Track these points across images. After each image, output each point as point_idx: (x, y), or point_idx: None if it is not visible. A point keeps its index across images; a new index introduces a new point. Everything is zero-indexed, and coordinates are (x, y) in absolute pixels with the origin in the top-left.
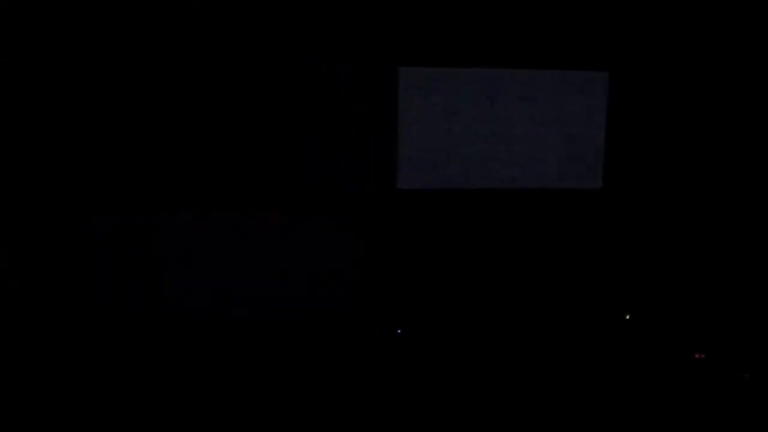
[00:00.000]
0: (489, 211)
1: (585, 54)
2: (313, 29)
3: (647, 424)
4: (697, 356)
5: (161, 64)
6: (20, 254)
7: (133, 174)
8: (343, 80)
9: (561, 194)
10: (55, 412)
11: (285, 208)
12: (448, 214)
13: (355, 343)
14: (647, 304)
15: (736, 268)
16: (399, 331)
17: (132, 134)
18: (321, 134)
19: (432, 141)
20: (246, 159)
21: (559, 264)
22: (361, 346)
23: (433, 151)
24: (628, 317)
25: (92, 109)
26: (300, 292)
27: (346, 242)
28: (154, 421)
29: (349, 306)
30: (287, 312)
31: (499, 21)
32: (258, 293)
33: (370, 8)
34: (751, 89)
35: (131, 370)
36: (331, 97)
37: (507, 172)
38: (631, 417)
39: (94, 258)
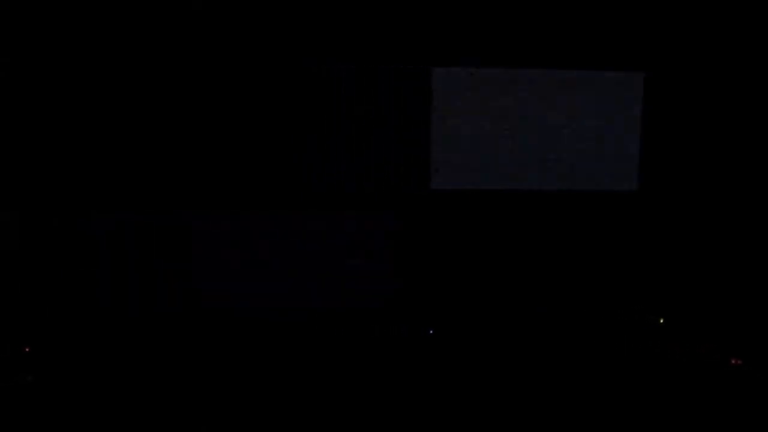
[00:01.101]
0: (522, 212)
1: (620, 54)
2: (345, 31)
3: (682, 429)
4: (733, 362)
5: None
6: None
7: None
8: (379, 81)
9: (595, 196)
10: (87, 411)
11: (317, 208)
12: (482, 215)
13: (387, 343)
14: (682, 308)
15: None
16: (431, 331)
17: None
18: (355, 134)
19: (466, 141)
20: (276, 159)
21: (592, 267)
22: (392, 346)
23: (467, 151)
24: (662, 321)
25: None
26: (331, 292)
27: (378, 242)
28: (182, 421)
29: (381, 306)
30: (317, 312)
31: (532, 21)
32: (288, 293)
33: (407, 7)
34: None
35: (157, 367)
36: (366, 97)
37: (541, 173)
38: (665, 422)
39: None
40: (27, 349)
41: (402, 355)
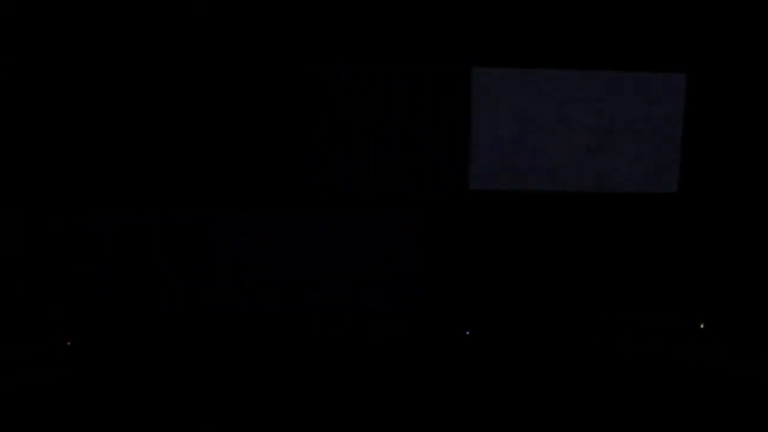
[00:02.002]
0: (561, 213)
1: (662, 55)
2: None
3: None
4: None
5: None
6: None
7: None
8: (417, 81)
9: (635, 198)
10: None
11: (357, 207)
12: (520, 216)
13: (423, 344)
14: (723, 312)
15: None
16: (468, 332)
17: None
18: (394, 134)
19: (505, 142)
20: (311, 158)
21: (630, 269)
22: (429, 347)
23: (506, 152)
24: (702, 326)
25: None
26: (369, 292)
27: (416, 242)
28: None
29: (419, 306)
30: (354, 312)
31: (573, 22)
32: (325, 292)
33: (446, 8)
34: None
35: (181, 367)
36: (406, 97)
37: (580, 174)
38: (708, 424)
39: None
40: (68, 343)
41: (438, 356)
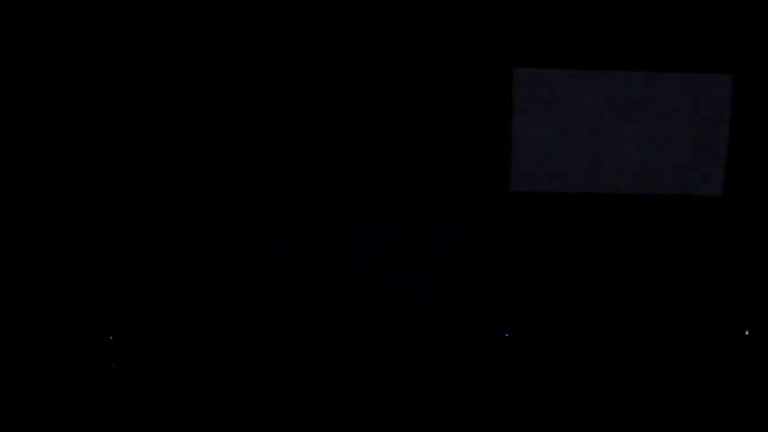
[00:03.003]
0: (603, 216)
1: (708, 55)
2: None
3: None
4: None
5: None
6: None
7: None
8: (460, 81)
9: (678, 201)
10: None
11: (397, 207)
12: (561, 218)
13: (461, 345)
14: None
15: None
16: (506, 334)
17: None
18: (440, 134)
19: (546, 144)
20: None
21: (673, 272)
22: (467, 348)
23: (548, 154)
24: (747, 333)
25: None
26: (410, 292)
27: (456, 243)
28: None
29: (458, 307)
30: (394, 313)
31: (617, 21)
32: (364, 292)
33: (491, 8)
34: None
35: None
36: (449, 97)
37: (623, 176)
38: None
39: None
40: (111, 338)
41: (476, 357)
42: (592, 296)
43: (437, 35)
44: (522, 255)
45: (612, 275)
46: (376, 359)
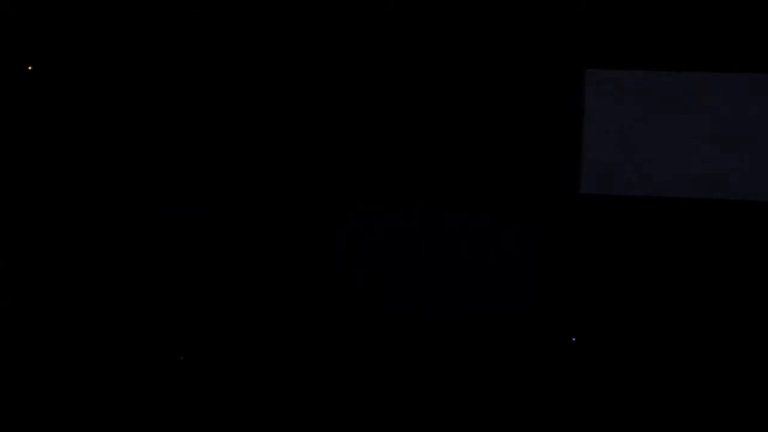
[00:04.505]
0: (676, 221)
1: None
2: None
3: None
4: None
5: None
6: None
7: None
8: (527, 79)
9: (754, 207)
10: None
11: (463, 207)
12: (633, 222)
13: (529, 348)
14: None
15: None
16: (573, 339)
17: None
18: (509, 135)
19: (619, 146)
20: (436, 157)
21: (747, 282)
22: (535, 352)
23: (620, 156)
24: None
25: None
26: (474, 294)
27: (524, 246)
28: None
29: (524, 311)
30: (458, 314)
31: (693, 19)
32: (428, 293)
33: (559, 9)
34: None
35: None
36: (516, 97)
37: (699, 180)
38: None
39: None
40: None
41: (544, 362)
42: (666, 304)
43: (505, 32)
44: (589, 259)
45: (688, 283)
46: (442, 363)
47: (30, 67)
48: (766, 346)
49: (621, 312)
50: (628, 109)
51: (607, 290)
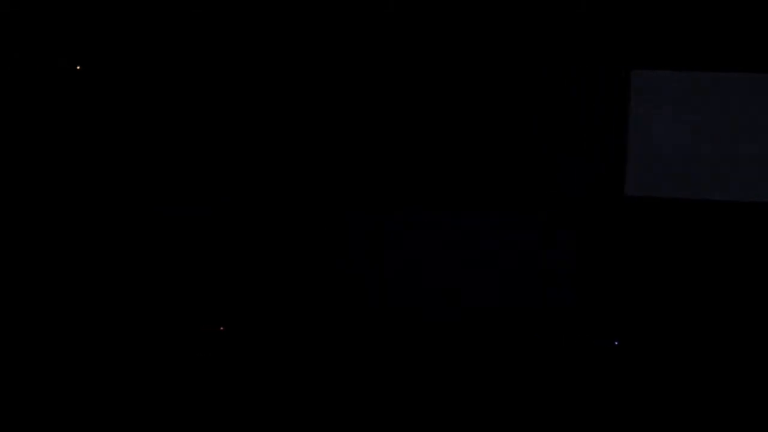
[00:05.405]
0: (723, 225)
1: None
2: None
3: None
4: None
5: None
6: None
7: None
8: (572, 82)
9: None
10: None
11: (505, 208)
12: (679, 225)
13: (571, 350)
14: None
15: None
16: (616, 342)
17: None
18: (550, 136)
19: (664, 147)
20: (471, 157)
21: None
22: (577, 354)
23: (666, 158)
24: None
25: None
26: (515, 295)
27: (567, 249)
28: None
29: (566, 313)
30: (497, 315)
31: (742, 21)
32: (464, 293)
33: (604, 9)
34: None
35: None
36: (559, 98)
37: (744, 184)
38: None
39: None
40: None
41: (586, 364)
42: (709, 311)
43: (552, 32)
44: (634, 262)
45: (730, 288)
46: (484, 365)
47: (78, 67)
48: None
49: (664, 314)
50: (672, 110)
51: (649, 290)
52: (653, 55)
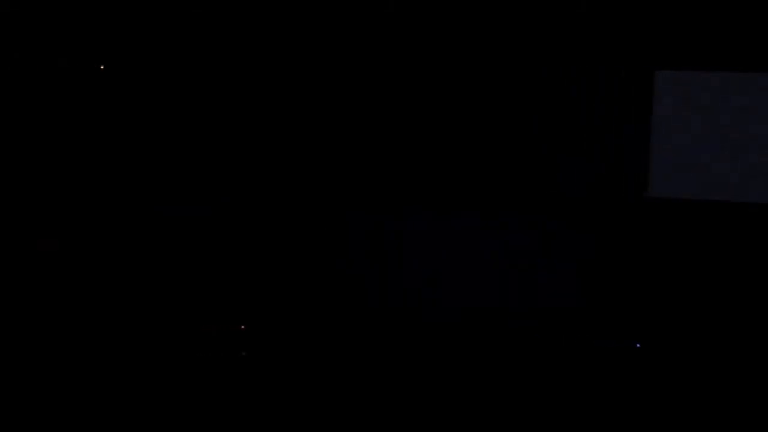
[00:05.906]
0: (743, 225)
1: None
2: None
3: None
4: None
5: None
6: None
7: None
8: (595, 84)
9: None
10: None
11: (527, 211)
12: (700, 226)
13: (592, 353)
14: None
15: None
16: (638, 345)
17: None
18: (571, 138)
19: (687, 149)
20: (488, 160)
21: None
22: (598, 356)
23: (688, 159)
24: None
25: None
26: (537, 296)
27: (590, 249)
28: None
29: (588, 314)
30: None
31: (763, 22)
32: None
33: (626, 11)
34: None
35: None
36: (582, 100)
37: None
38: None
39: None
40: (243, 327)
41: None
42: (730, 311)
43: (578, 34)
44: (657, 262)
45: (749, 289)
46: (502, 366)
47: (102, 67)
48: None
49: (676, 315)
50: (697, 111)
51: (673, 291)
52: (677, 55)
